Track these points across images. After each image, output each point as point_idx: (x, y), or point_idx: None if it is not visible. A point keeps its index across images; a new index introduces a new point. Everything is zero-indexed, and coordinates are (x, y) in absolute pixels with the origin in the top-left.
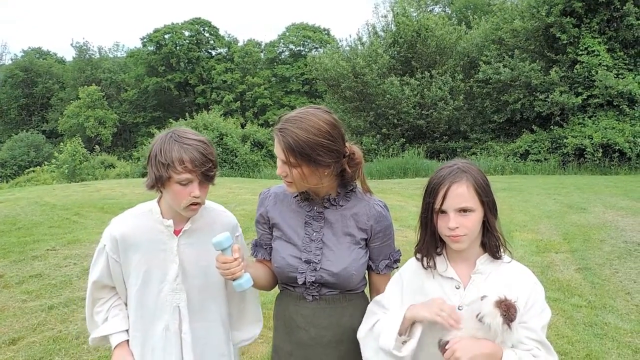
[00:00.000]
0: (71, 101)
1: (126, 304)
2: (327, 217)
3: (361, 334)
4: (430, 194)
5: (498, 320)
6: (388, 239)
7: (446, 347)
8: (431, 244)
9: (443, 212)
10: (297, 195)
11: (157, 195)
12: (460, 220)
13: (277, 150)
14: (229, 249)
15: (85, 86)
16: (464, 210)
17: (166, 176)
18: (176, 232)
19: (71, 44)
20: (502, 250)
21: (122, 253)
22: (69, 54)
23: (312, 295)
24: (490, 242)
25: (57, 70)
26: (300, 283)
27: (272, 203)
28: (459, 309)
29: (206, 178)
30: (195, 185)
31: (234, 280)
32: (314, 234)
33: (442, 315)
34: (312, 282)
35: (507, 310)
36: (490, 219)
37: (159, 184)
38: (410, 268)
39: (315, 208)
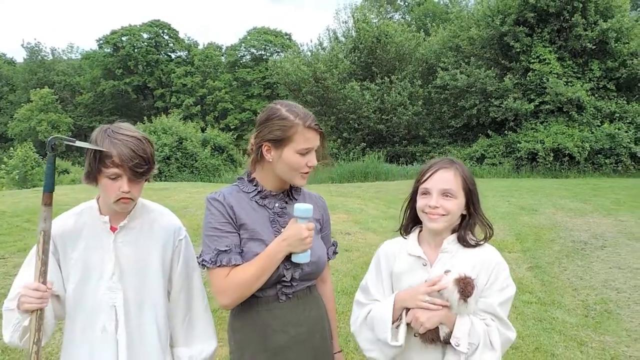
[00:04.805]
0: (22, 104)
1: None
2: (289, 212)
3: (355, 326)
4: (419, 179)
5: (455, 295)
6: (330, 227)
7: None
8: (411, 224)
9: (428, 193)
10: (256, 195)
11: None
12: (442, 201)
13: (314, 141)
14: (306, 220)
15: (38, 89)
16: (447, 195)
17: (96, 169)
18: (113, 229)
19: (22, 45)
20: (475, 239)
21: (61, 252)
22: (19, 55)
23: (286, 295)
24: (464, 232)
25: (6, 72)
26: (288, 279)
27: (235, 202)
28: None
29: (135, 174)
30: (124, 180)
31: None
32: (282, 230)
33: (424, 304)
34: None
35: (465, 287)
36: (471, 208)
37: (91, 177)
38: (383, 251)
39: (277, 205)
